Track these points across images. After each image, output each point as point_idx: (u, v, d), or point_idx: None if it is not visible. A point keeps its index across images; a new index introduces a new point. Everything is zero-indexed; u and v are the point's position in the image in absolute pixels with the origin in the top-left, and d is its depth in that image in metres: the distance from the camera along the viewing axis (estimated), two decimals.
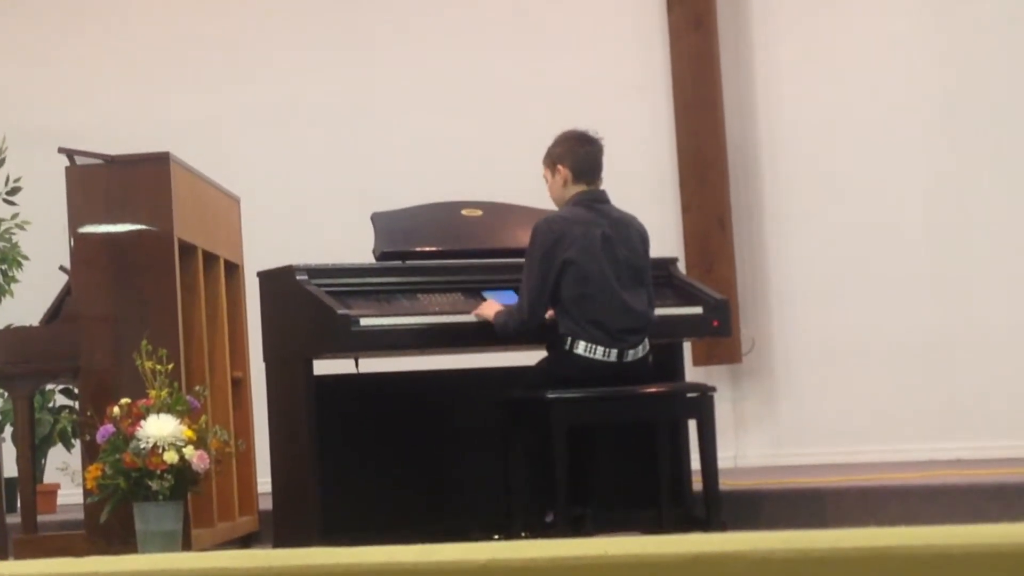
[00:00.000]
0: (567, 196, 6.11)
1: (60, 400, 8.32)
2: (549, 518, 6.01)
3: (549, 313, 6.08)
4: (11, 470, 6.93)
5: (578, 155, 6.11)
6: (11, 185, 8.44)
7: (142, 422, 5.60)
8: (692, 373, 7.94)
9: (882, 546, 1.74)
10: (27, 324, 6.58)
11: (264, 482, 6.78)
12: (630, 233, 6.12)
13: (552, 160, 6.15)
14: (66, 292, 6.29)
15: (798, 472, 7.74)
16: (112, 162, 6.06)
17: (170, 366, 5.72)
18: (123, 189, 6.02)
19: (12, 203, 8.45)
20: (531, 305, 5.96)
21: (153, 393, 5.67)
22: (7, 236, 8.43)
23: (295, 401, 6.19)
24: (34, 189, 8.33)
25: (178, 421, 5.63)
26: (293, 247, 7.45)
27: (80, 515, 6.12)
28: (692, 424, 6.31)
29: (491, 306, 6.12)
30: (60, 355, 6.08)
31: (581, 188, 6.10)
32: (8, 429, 7.80)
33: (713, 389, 6.24)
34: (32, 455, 6.34)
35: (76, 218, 6.03)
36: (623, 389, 6.00)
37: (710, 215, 8.83)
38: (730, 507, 6.45)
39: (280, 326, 6.32)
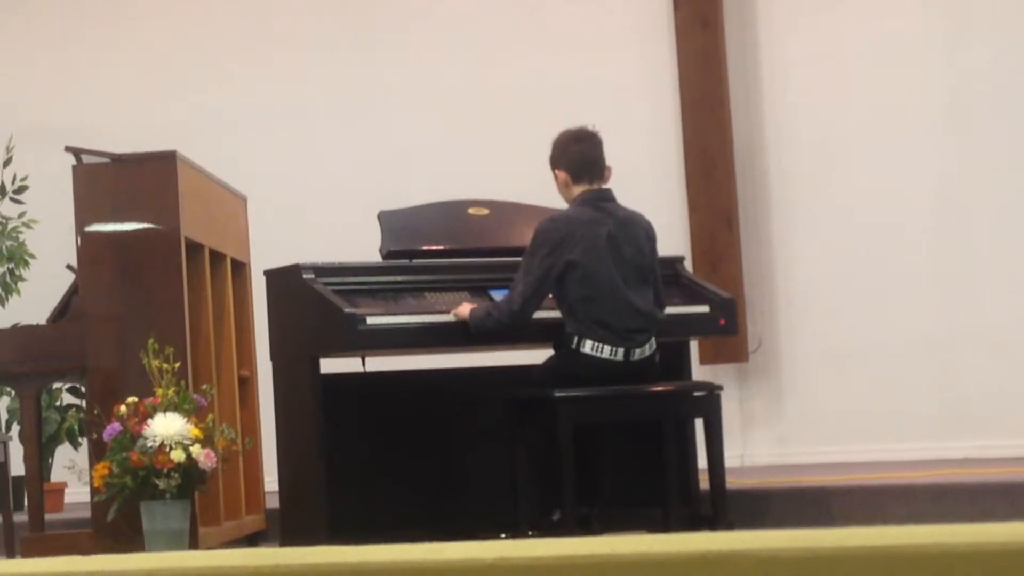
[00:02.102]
0: (572, 196, 6.11)
1: (67, 399, 8.33)
2: (556, 517, 6.01)
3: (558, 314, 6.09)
4: (18, 468, 6.94)
5: (571, 155, 6.09)
6: (18, 184, 8.45)
7: (149, 421, 5.60)
8: (699, 372, 7.94)
9: (888, 545, 1.74)
10: (34, 323, 6.58)
11: (271, 481, 6.78)
12: (636, 232, 6.11)
13: (552, 163, 6.14)
14: (73, 291, 6.29)
15: (805, 471, 7.74)
16: (119, 161, 6.06)
17: (177, 365, 5.73)
18: (130, 188, 6.03)
19: (19, 202, 8.46)
20: (524, 300, 5.93)
21: (160, 392, 5.67)
22: (14, 235, 8.44)
23: (302, 400, 6.19)
24: (41, 188, 8.34)
25: (185, 420, 5.63)
26: (300, 246, 7.46)
27: (87, 513, 6.13)
28: (699, 423, 6.31)
29: (466, 305, 6.10)
30: (67, 354, 6.08)
31: (584, 187, 6.08)
32: (15, 427, 7.81)
33: (720, 388, 6.24)
34: (39, 453, 6.34)
35: (83, 217, 6.03)
36: (630, 388, 6.00)
37: (717, 213, 8.83)
38: (737, 506, 6.45)
39: (287, 325, 6.32)
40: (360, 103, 9.29)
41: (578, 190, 6.08)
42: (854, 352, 8.61)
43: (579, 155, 6.08)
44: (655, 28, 9.07)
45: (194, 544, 5.80)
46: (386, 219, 6.45)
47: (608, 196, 6.11)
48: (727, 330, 6.65)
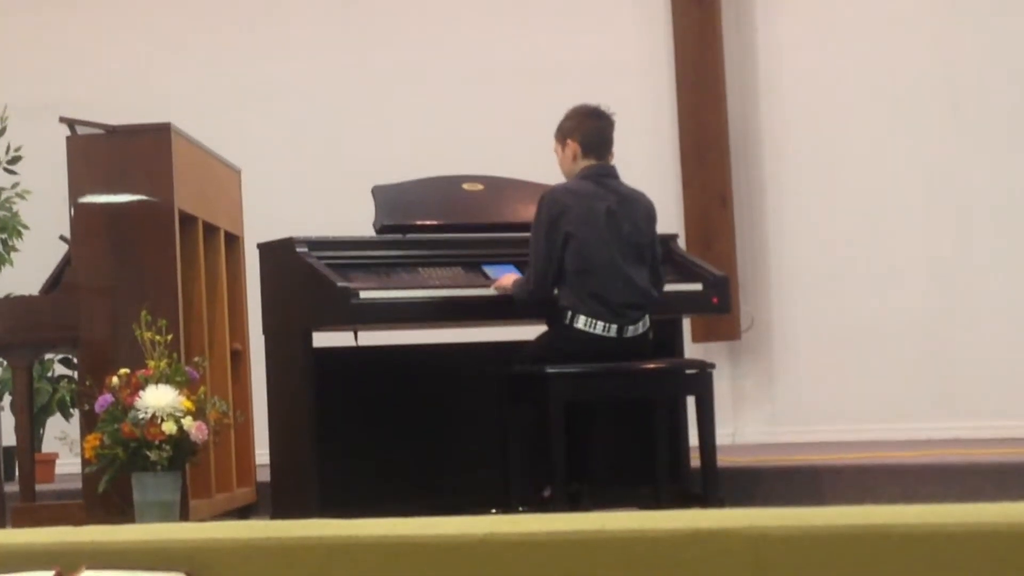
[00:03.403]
0: (576, 170, 6.11)
1: (59, 370, 8.33)
2: (547, 493, 6.02)
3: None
4: (9, 439, 6.94)
5: (588, 129, 6.12)
6: (12, 154, 8.43)
7: (141, 392, 5.60)
8: (691, 350, 7.95)
9: (878, 524, 1.75)
10: (27, 293, 6.57)
11: (262, 454, 6.79)
12: (636, 210, 6.12)
13: (562, 134, 6.15)
14: (66, 262, 6.28)
15: (795, 449, 7.75)
16: (113, 132, 6.05)
17: (169, 337, 5.72)
18: (124, 159, 6.01)
19: (13, 172, 8.44)
20: (537, 277, 5.97)
21: (152, 364, 5.67)
22: (7, 205, 8.43)
23: (294, 373, 6.19)
24: (35, 158, 8.32)
25: (177, 392, 5.63)
26: (294, 219, 7.45)
27: (78, 485, 6.13)
28: (691, 400, 6.31)
29: (509, 277, 6.14)
30: (59, 325, 6.08)
31: (590, 162, 6.10)
32: (7, 398, 7.81)
33: (712, 366, 6.24)
34: (30, 424, 6.34)
35: (76, 188, 6.02)
36: (622, 365, 6.00)
37: (711, 192, 8.83)
38: (727, 484, 6.45)
39: (280, 298, 6.32)
40: (355, 78, 9.27)
41: (584, 164, 6.10)
42: (846, 331, 8.62)
43: (596, 131, 6.12)
44: (651, 6, 9.05)
45: (185, 516, 5.80)
46: (380, 193, 6.45)
47: (611, 173, 6.13)
48: (720, 308, 6.65)
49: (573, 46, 9.07)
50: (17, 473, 6.51)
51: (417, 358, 6.65)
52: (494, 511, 5.96)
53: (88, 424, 5.84)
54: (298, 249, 6.10)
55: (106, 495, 5.72)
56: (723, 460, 6.51)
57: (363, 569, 1.90)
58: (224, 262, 6.77)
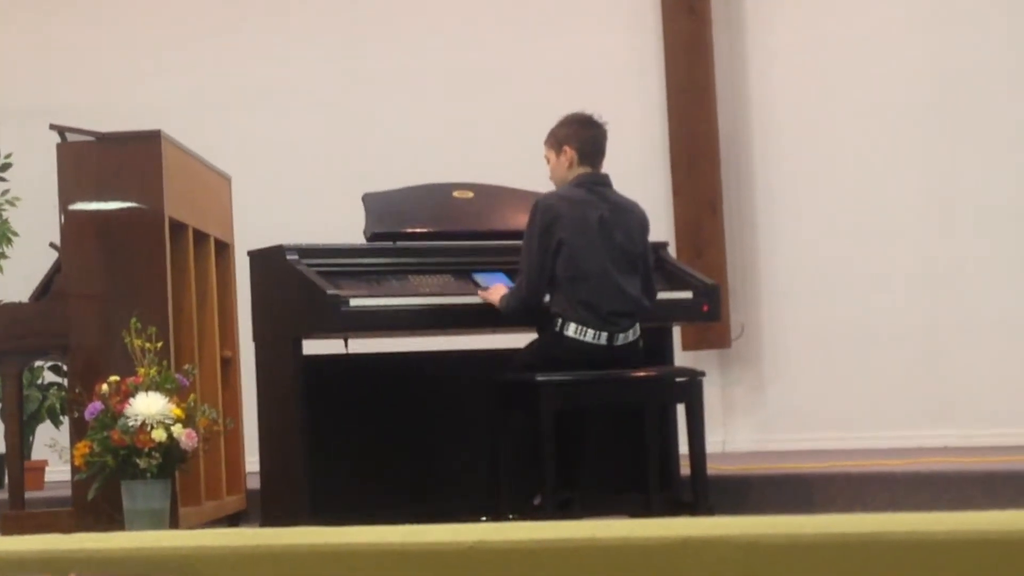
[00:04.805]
0: (569, 178, 6.12)
1: (49, 377, 8.32)
2: (537, 501, 6.01)
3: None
4: None
5: (584, 138, 6.12)
6: (2, 161, 8.43)
7: (131, 400, 5.60)
8: (681, 358, 7.95)
9: (869, 532, 1.75)
10: (16, 300, 6.57)
11: (252, 461, 6.78)
12: (630, 219, 6.13)
13: (557, 141, 6.15)
14: (56, 269, 6.28)
15: (786, 458, 7.75)
16: (103, 139, 6.05)
17: (159, 344, 5.72)
18: (114, 166, 6.01)
19: (3, 179, 8.43)
20: (529, 284, 5.97)
21: (142, 371, 5.66)
22: None
23: (284, 380, 6.19)
24: (25, 165, 8.32)
25: (167, 399, 5.62)
26: (284, 227, 7.45)
27: (68, 492, 6.12)
28: (681, 408, 6.31)
29: (497, 290, 6.12)
30: (49, 332, 6.07)
31: (584, 170, 6.11)
32: None
33: (702, 374, 6.25)
34: (20, 432, 6.33)
35: (67, 195, 6.02)
36: (612, 373, 6.00)
37: (701, 200, 8.83)
38: (718, 492, 6.46)
39: (270, 306, 6.31)
40: (346, 84, 9.27)
41: (579, 171, 6.10)
42: (837, 339, 8.62)
43: (592, 140, 6.14)
44: (642, 14, 9.06)
45: (175, 524, 5.79)
46: (371, 201, 6.45)
47: (605, 181, 6.14)
48: (710, 316, 6.66)
49: (564, 53, 9.07)
50: (7, 480, 6.50)
51: (407, 365, 6.65)
52: (484, 519, 5.96)
53: (78, 431, 5.84)
54: (288, 256, 6.10)
55: (96, 503, 5.71)
56: (713, 468, 6.51)
57: None
58: (214, 269, 6.77)
